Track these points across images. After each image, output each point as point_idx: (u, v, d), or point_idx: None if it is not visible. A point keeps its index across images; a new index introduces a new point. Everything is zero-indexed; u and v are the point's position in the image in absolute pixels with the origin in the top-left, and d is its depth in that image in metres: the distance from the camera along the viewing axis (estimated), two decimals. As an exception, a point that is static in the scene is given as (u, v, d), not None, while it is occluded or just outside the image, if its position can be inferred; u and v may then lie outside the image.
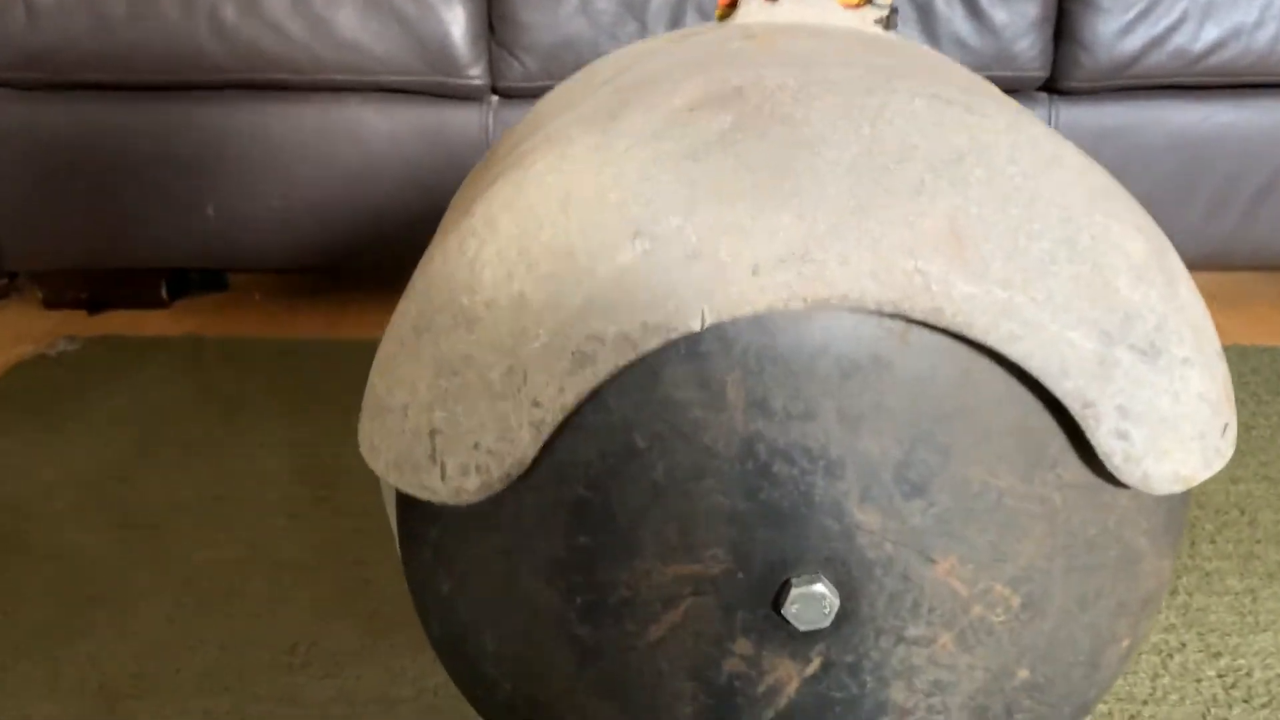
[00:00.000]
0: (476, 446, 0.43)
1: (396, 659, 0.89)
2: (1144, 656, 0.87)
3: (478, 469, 0.43)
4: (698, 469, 0.43)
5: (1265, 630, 0.89)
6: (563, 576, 0.46)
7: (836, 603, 0.44)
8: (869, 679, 0.47)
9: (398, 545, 0.49)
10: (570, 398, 0.42)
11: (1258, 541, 1.00)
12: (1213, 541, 1.00)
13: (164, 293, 1.52)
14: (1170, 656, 0.87)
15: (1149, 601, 0.49)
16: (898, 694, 0.47)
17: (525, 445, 0.43)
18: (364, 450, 0.46)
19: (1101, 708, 0.82)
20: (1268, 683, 0.84)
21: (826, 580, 0.44)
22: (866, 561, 0.44)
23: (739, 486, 0.43)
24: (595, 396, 0.43)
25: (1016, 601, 0.46)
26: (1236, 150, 1.39)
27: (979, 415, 0.43)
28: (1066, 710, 0.50)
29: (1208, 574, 0.96)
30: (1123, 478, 0.43)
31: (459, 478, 0.43)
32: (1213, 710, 0.81)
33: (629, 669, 0.47)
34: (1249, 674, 0.85)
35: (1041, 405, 0.43)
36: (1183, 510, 0.48)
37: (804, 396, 0.42)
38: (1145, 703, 0.83)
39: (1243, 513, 1.04)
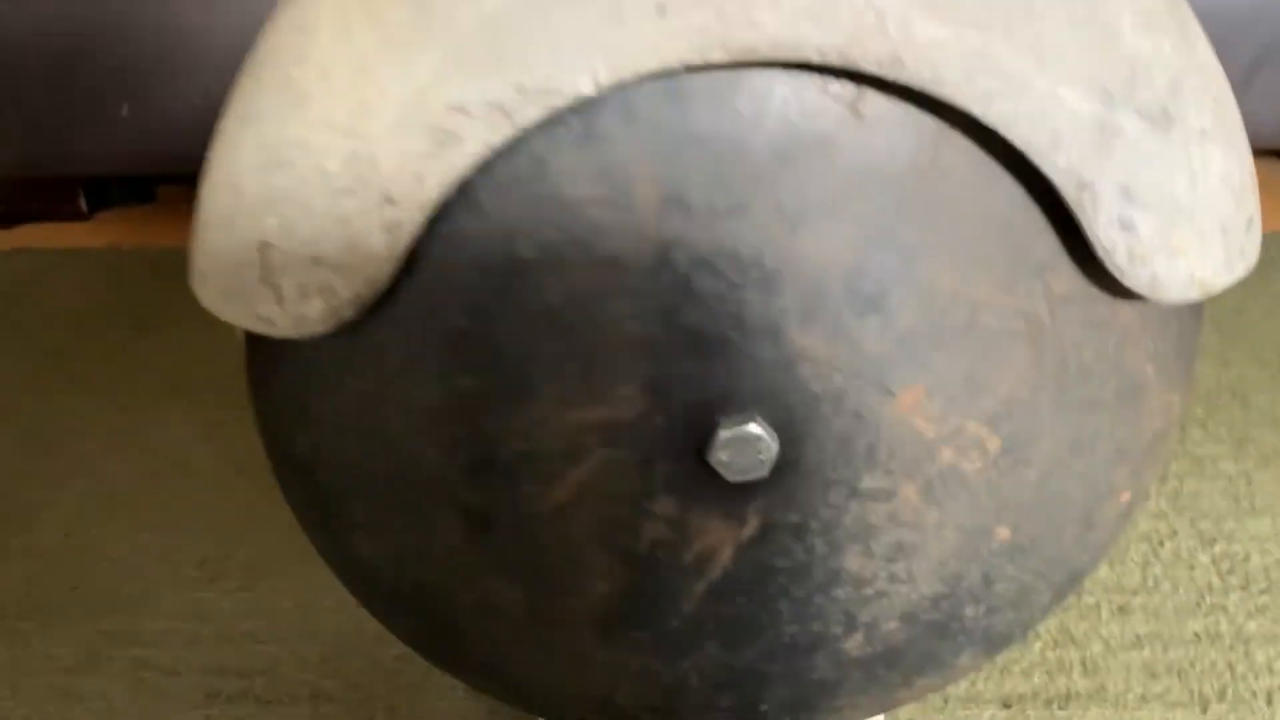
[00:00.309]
0: (317, 261, 0.34)
1: (317, 571, 0.81)
2: (1133, 545, 0.80)
3: (321, 290, 0.35)
4: (600, 287, 0.35)
5: (1262, 514, 0.82)
6: (442, 429, 0.37)
7: (775, 448, 0.36)
8: (818, 543, 0.39)
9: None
10: (432, 189, 0.33)
11: (1252, 424, 0.93)
12: (1204, 426, 0.93)
13: (83, 204, 1.41)
14: (1161, 544, 0.80)
15: (1154, 446, 0.41)
16: (853, 560, 0.39)
17: (379, 258, 0.34)
18: (194, 284, 0.37)
19: (1088, 599, 0.75)
20: (1266, 568, 0.77)
21: (762, 421, 0.36)
22: (811, 396, 0.36)
23: (653, 307, 0.35)
24: (467, 195, 0.34)
25: (995, 444, 0.38)
26: (1221, 29, 1.30)
27: (948, 207, 0.35)
28: (1056, 578, 0.43)
29: (1199, 459, 0.89)
30: (1127, 281, 0.35)
31: (299, 302, 0.35)
32: (1207, 598, 0.74)
33: (530, 541, 0.39)
34: (1245, 559, 0.78)
35: (1025, 192, 0.35)
36: (1195, 331, 0.40)
37: (731, 188, 0.34)
38: (1135, 593, 0.76)
39: (1235, 396, 0.97)
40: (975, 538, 0.40)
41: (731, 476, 0.36)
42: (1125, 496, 0.41)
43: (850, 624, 0.41)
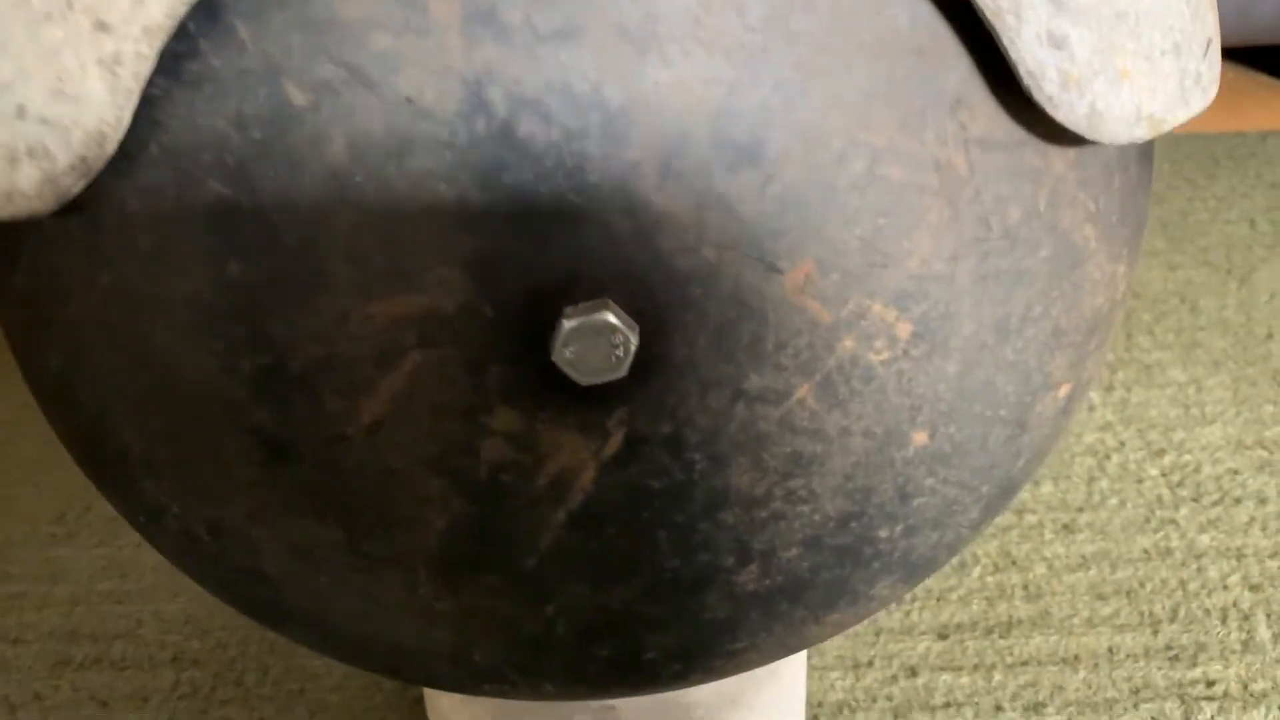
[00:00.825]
0: (22, 113, 0.26)
1: (188, 521, 0.74)
2: (1077, 459, 0.75)
3: (32, 152, 0.27)
4: (397, 139, 0.27)
5: (1212, 423, 0.77)
6: (215, 333, 0.30)
7: (634, 340, 0.29)
8: (697, 458, 0.32)
9: None
10: (157, 11, 0.25)
11: (1200, 329, 0.88)
12: (1151, 332, 0.87)
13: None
14: (1108, 457, 0.75)
15: (1097, 328, 0.35)
16: (742, 477, 0.33)
17: (100, 105, 0.26)
18: None
19: (1030, 517, 0.70)
20: (1218, 479, 0.72)
21: (616, 307, 0.29)
22: (676, 275, 0.29)
23: (468, 164, 0.28)
24: (213, 19, 0.27)
25: (905, 330, 0.31)
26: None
27: (838, 27, 0.28)
28: (984, 490, 0.36)
29: (1147, 366, 0.83)
30: (1059, 115, 0.28)
31: (6, 171, 0.27)
32: (1158, 512, 0.69)
33: (340, 470, 0.32)
34: (1196, 470, 0.73)
35: (932, 6, 0.28)
36: (1144, 186, 0.34)
37: (557, 2, 0.26)
38: (1081, 510, 0.71)
39: (1183, 300, 0.92)
40: (886, 444, 0.33)
41: (582, 378, 0.29)
42: (1064, 390, 0.35)
43: (743, 553, 0.34)
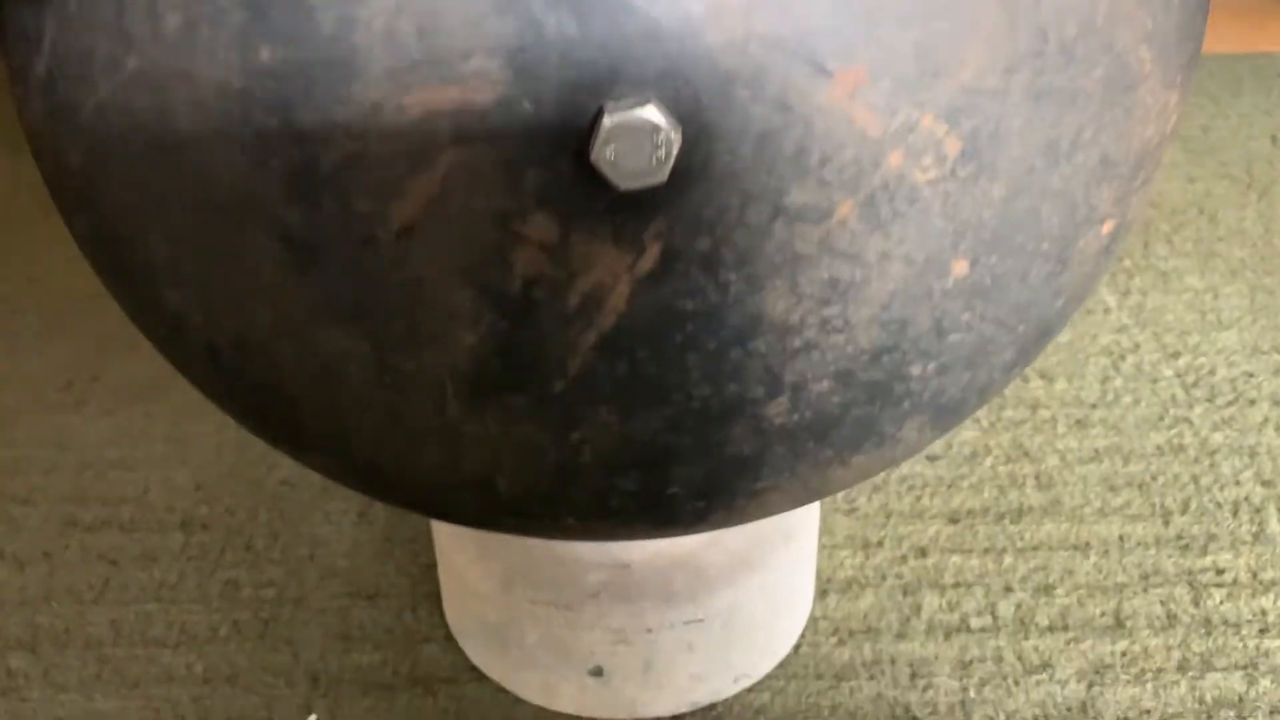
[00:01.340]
0: None
1: (191, 393, 0.73)
2: (1092, 358, 0.74)
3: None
4: (441, -83, 0.26)
5: (1228, 328, 0.77)
6: (246, 124, 0.29)
7: (677, 140, 0.28)
8: (733, 278, 0.31)
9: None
10: None
11: (1219, 239, 0.87)
12: (1169, 241, 0.87)
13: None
14: (1122, 358, 0.74)
15: (1144, 163, 0.34)
16: (777, 302, 0.32)
17: None
18: None
19: (1043, 412, 0.69)
20: (1232, 381, 0.72)
21: (660, 104, 0.28)
22: (721, 75, 0.28)
23: (511, -53, 0.27)
24: None
25: (954, 147, 0.31)
26: None
27: None
28: (1020, 329, 0.36)
29: (1164, 273, 0.83)
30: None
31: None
32: (1171, 411, 0.69)
33: (369, 277, 0.31)
34: (1211, 372, 0.72)
35: None
36: (1202, 11, 0.33)
37: None
38: (1094, 406, 0.71)
39: (1202, 211, 0.91)
40: (926, 273, 0.32)
41: (621, 181, 0.28)
42: (1107, 227, 0.34)
43: (773, 385, 0.34)
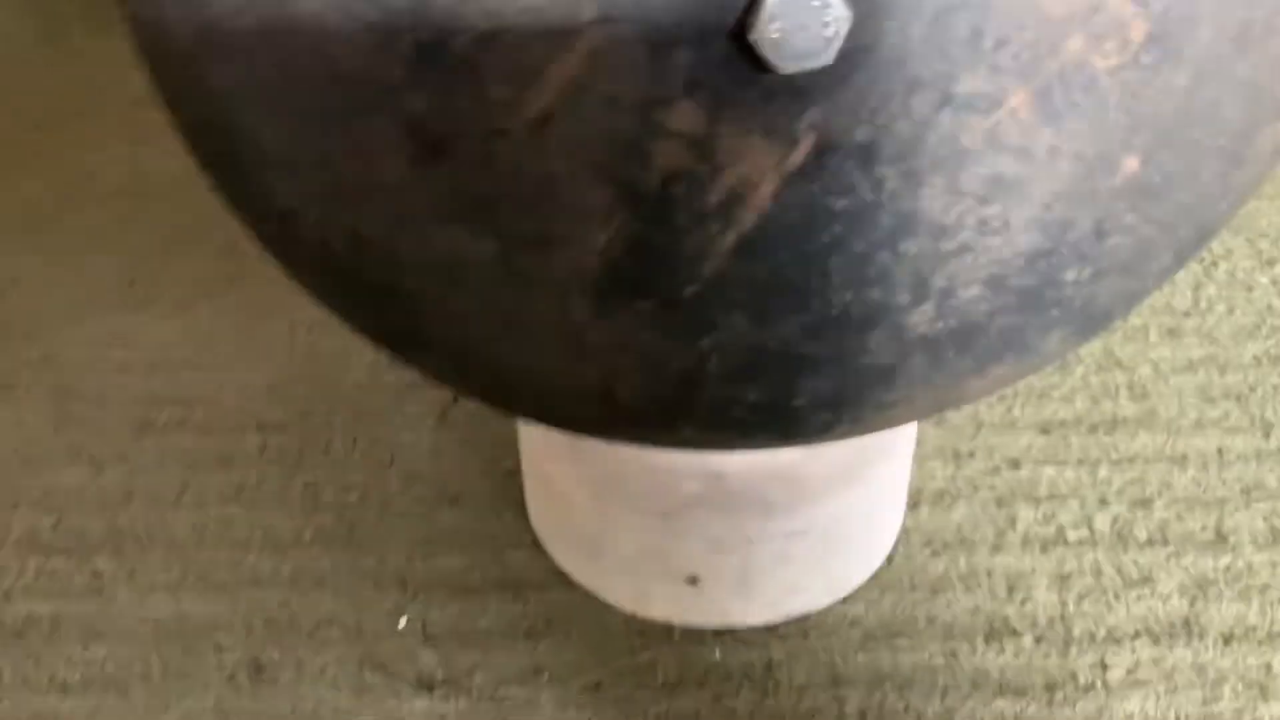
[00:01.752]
0: None
1: (260, 291, 0.72)
2: (1184, 265, 0.71)
3: None
4: None
5: (1328, 233, 0.73)
6: (371, 3, 0.26)
7: (847, 17, 0.26)
8: (890, 174, 0.29)
9: None
10: None
11: (1315, 141, 0.82)
12: (1262, 143, 0.82)
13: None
14: (1215, 265, 0.71)
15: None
16: (934, 200, 0.30)
17: None
18: None
19: (1135, 319, 0.67)
20: (1333, 288, 0.69)
21: (830, -21, 0.26)
22: (899, -54, 0.26)
23: None
24: None
25: (1140, 31, 0.28)
26: None
27: None
28: (1182, 232, 0.33)
29: (1257, 176, 0.79)
30: None
31: None
32: (1268, 320, 0.66)
33: (498, 172, 0.29)
34: (1311, 280, 0.70)
35: None
36: None
37: None
38: (1187, 315, 0.68)
39: (1297, 111, 0.86)
40: (1094, 170, 0.30)
41: (783, 63, 0.26)
42: (1288, 123, 0.32)
43: (920, 289, 0.32)
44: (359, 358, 0.64)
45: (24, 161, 0.82)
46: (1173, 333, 0.66)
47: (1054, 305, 0.33)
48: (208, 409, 0.61)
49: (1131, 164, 0.30)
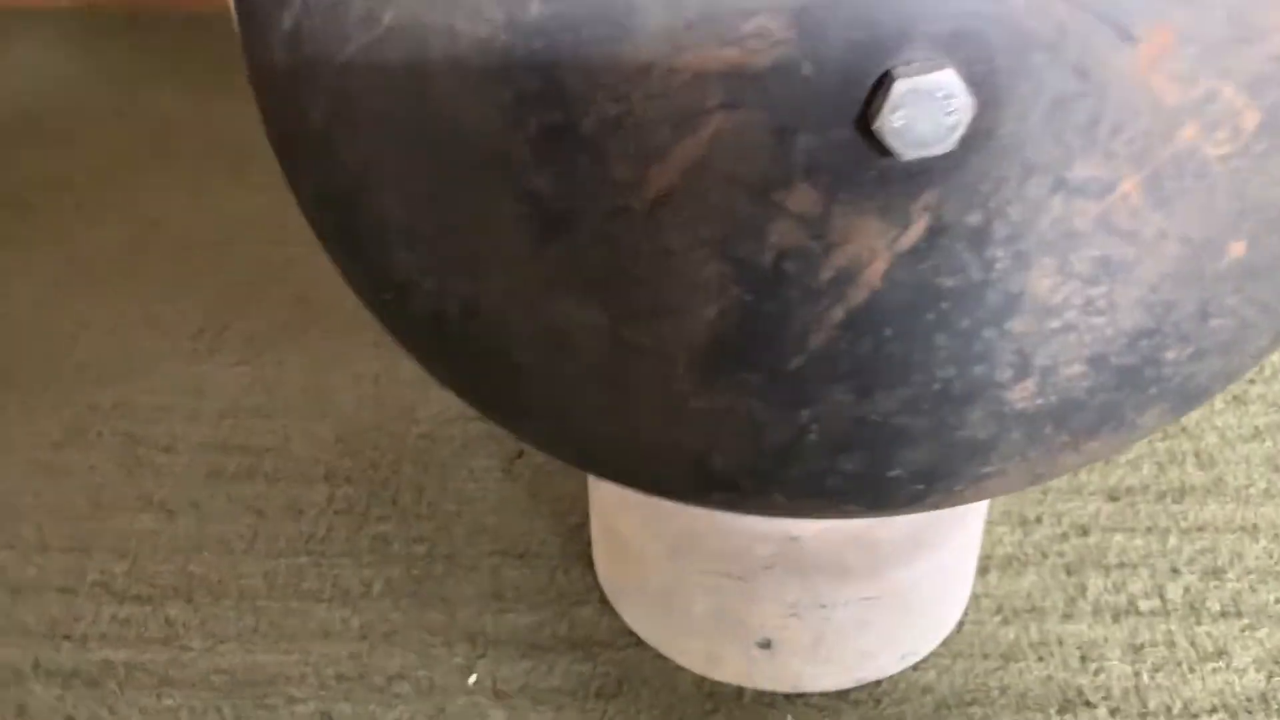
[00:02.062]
0: None
1: (325, 342, 0.73)
2: (1246, 331, 0.71)
3: None
4: None
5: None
6: (506, 83, 0.27)
7: (971, 107, 0.26)
8: (1000, 255, 0.29)
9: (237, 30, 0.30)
10: None
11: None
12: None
13: (52, -40, 1.26)
14: None
15: None
16: (1042, 280, 0.30)
17: None
18: None
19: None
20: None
21: (955, 68, 0.26)
22: (1020, 37, 0.26)
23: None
24: None
25: (1253, 120, 0.28)
26: None
27: None
28: (1284, 314, 0.34)
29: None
30: None
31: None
32: (1334, 388, 0.66)
33: (619, 244, 0.29)
34: (1374, 349, 0.69)
35: None
36: None
37: None
38: (1252, 381, 0.67)
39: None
40: (1201, 254, 0.30)
41: (906, 150, 0.26)
42: (1394, 207, 0.32)
43: (1023, 367, 0.32)
44: (425, 409, 0.65)
45: (94, 211, 0.84)
46: (1238, 399, 0.66)
47: (1153, 383, 0.33)
48: (276, 458, 0.62)
49: (1238, 248, 0.31)
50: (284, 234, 0.81)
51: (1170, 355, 0.33)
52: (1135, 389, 0.33)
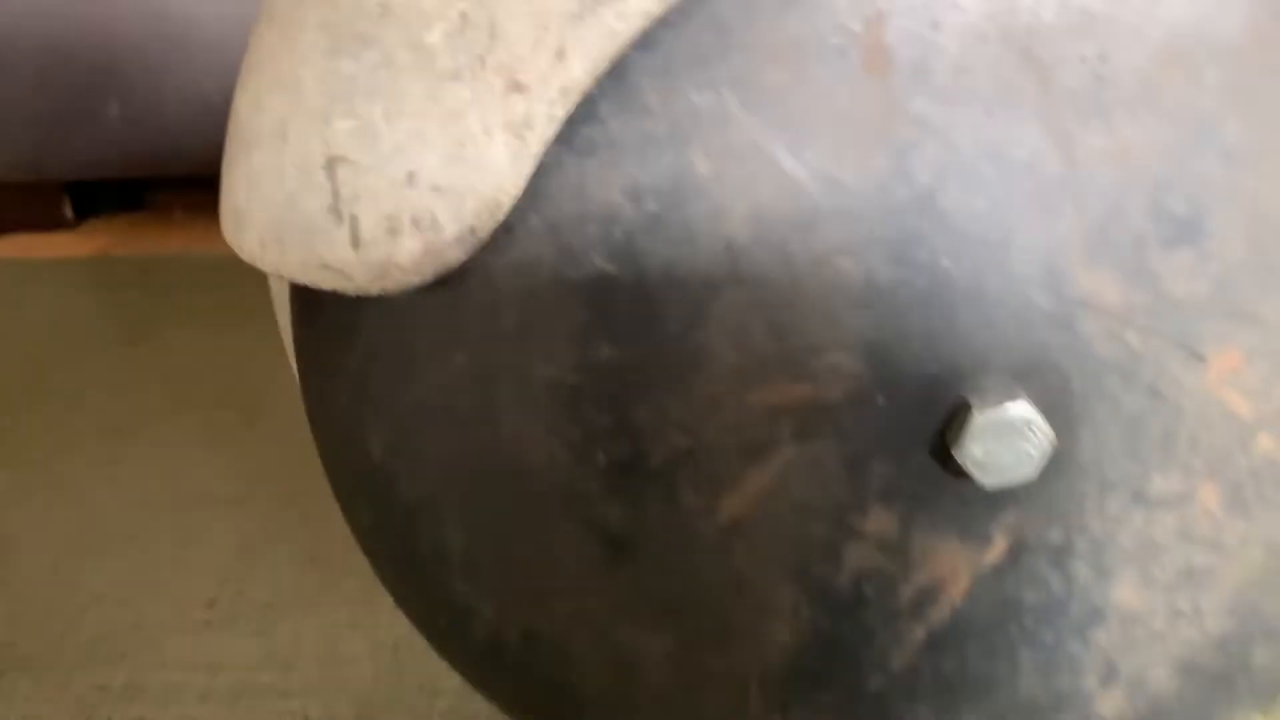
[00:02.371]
0: (412, 180, 0.24)
1: (344, 608, 0.71)
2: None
3: (417, 222, 0.24)
4: (802, 210, 0.25)
5: None
6: (574, 417, 0.27)
7: (1050, 437, 0.26)
8: (1082, 569, 0.29)
9: (297, 379, 0.30)
10: (578, 71, 0.23)
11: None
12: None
13: (69, 211, 1.31)
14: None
15: None
16: (1126, 591, 0.29)
17: (500, 171, 0.24)
18: (228, 227, 0.27)
19: None
20: None
21: (1028, 400, 0.26)
22: (1094, 364, 0.26)
23: (880, 238, 0.25)
24: (622, 81, 0.24)
25: (1327, 428, 0.28)
26: None
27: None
28: (1372, 608, 0.33)
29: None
30: None
31: (385, 241, 0.24)
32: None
33: (686, 574, 0.29)
34: None
35: None
36: None
37: (989, 69, 0.24)
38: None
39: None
40: (1286, 557, 0.30)
41: (988, 479, 0.26)
42: None
43: (1109, 675, 0.31)
44: (448, 680, 0.62)
45: (106, 469, 0.83)
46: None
47: (1241, 684, 0.32)
48: (293, 740, 0.59)
49: (1321, 548, 0.30)
50: (299, 488, 0.80)
51: (1258, 657, 0.31)
52: (1223, 690, 0.32)
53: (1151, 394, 0.26)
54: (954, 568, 0.28)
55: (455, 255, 0.24)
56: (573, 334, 0.26)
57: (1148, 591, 0.29)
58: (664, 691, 0.31)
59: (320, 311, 0.28)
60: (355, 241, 0.24)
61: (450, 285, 0.26)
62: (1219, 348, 0.26)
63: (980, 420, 0.25)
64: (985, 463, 0.26)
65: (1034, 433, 0.26)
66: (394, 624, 0.70)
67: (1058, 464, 0.27)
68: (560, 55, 0.23)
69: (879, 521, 0.28)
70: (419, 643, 0.64)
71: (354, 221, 0.24)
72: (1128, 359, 0.26)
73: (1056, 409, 0.26)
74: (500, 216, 0.24)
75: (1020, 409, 0.25)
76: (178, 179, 1.32)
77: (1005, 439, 0.26)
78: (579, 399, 0.27)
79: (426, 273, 0.25)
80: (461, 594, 0.30)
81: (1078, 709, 0.31)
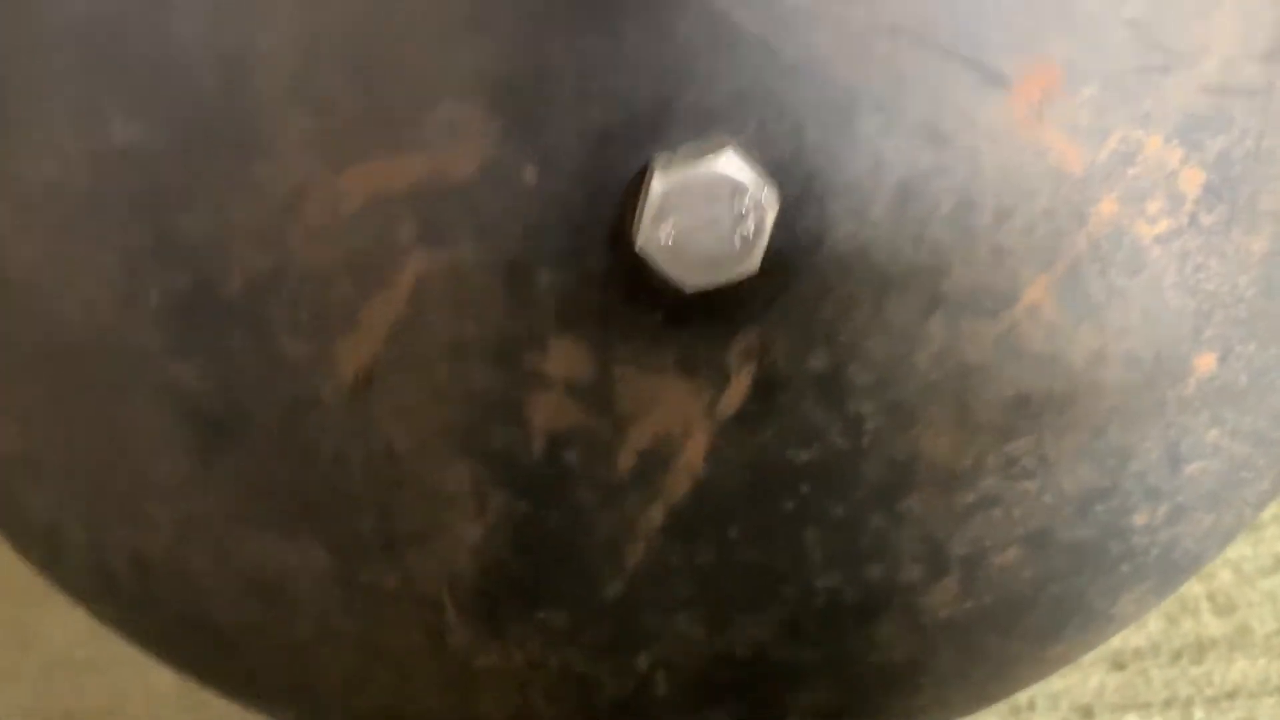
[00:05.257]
0: None
1: None
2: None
3: None
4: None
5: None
6: (102, 242, 0.19)
7: (771, 203, 0.18)
8: (869, 410, 0.20)
9: None
10: None
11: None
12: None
13: None
14: None
15: None
16: (937, 439, 0.20)
17: None
18: None
19: (1200, 514, 0.57)
20: None
21: (741, 148, 0.18)
22: (837, 95, 0.18)
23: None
24: None
25: (1194, 181, 0.19)
26: None
27: None
28: (1290, 445, 0.25)
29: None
30: None
31: None
32: (1356, 500, 0.57)
33: (313, 455, 0.20)
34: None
35: None
36: None
37: None
38: (1259, 501, 0.59)
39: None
40: (1157, 376, 0.21)
41: (686, 276, 0.18)
42: None
43: (937, 560, 0.23)
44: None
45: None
46: (1251, 525, 0.56)
47: (1122, 560, 0.24)
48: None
49: (1206, 362, 0.22)
50: None
51: (1139, 519, 0.23)
52: (1099, 570, 0.24)
53: (931, 139, 0.18)
54: (684, 418, 0.20)
55: None
56: (69, 110, 0.18)
57: (970, 437, 0.21)
58: (333, 622, 0.23)
59: None
60: None
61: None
62: (1026, 63, 0.18)
63: (661, 186, 0.17)
64: (679, 251, 0.18)
65: (744, 199, 0.17)
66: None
67: (800, 253, 0.19)
68: None
69: (565, 359, 0.19)
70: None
71: None
72: (886, 85, 0.18)
73: (785, 166, 0.18)
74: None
75: (721, 164, 0.17)
76: None
77: (703, 211, 0.17)
78: (99, 206, 0.18)
79: None
80: (39, 510, 0.22)
81: (899, 609, 0.23)
